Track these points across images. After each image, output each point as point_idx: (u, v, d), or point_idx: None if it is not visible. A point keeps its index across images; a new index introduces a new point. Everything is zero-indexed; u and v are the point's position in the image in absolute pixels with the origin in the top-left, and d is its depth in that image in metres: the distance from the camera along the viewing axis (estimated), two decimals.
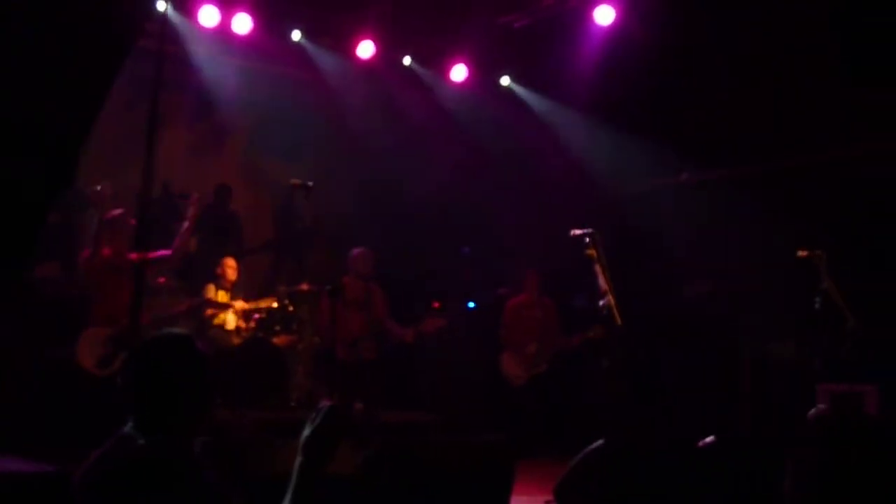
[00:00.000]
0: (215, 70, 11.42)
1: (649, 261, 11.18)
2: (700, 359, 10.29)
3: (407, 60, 12.04)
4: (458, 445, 5.91)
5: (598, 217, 8.99)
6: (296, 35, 11.26)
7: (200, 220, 9.60)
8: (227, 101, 11.88)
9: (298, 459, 2.90)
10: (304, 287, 10.28)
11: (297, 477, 2.88)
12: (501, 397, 11.08)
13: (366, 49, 11.48)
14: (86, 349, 8.52)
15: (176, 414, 3.16)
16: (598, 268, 7.86)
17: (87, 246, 9.13)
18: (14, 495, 4.95)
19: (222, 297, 10.16)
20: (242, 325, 10.16)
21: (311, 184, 8.55)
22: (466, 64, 12.19)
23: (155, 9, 8.55)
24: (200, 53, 11.06)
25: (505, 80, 12.63)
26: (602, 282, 7.83)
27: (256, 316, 10.19)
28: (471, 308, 12.75)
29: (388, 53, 11.76)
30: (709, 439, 4.59)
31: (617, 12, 10.68)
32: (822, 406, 6.65)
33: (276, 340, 10.05)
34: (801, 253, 8.27)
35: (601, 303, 7.80)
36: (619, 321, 7.70)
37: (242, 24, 10.70)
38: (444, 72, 12.25)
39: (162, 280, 9.66)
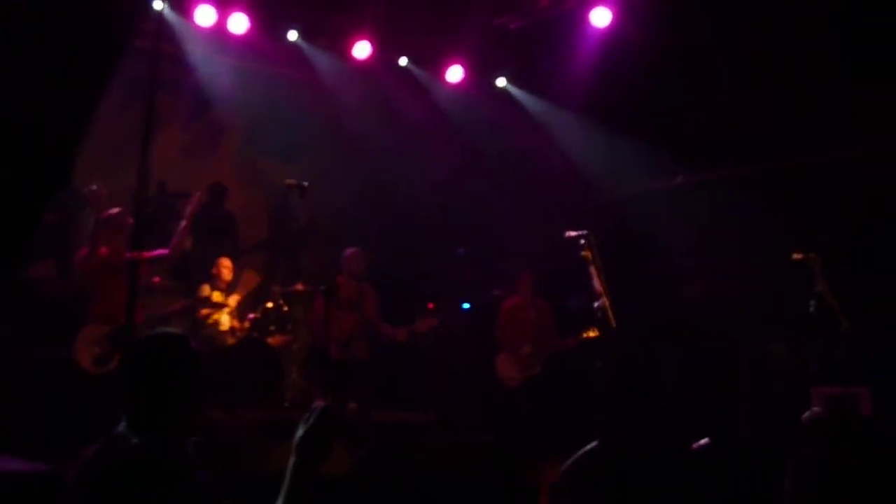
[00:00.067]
0: (211, 70, 11.42)
1: (645, 263, 11.19)
2: (697, 360, 10.30)
3: (403, 61, 12.04)
4: (452, 446, 5.92)
5: (594, 219, 8.99)
6: (292, 35, 11.25)
7: (196, 219, 9.60)
8: (223, 100, 11.88)
9: (292, 459, 2.90)
10: (299, 287, 10.29)
11: (291, 477, 2.88)
12: (496, 398, 11.08)
13: (362, 49, 11.48)
14: (83, 348, 8.52)
15: (169, 413, 3.16)
16: (592, 269, 7.86)
17: (83, 245, 9.12)
18: (7, 494, 4.94)
19: (217, 297, 10.16)
20: (237, 324, 10.15)
21: (306, 184, 8.55)
22: (462, 65, 12.18)
23: (151, 8, 8.56)
24: (196, 53, 11.06)
25: (501, 82, 12.63)
26: (597, 283, 7.83)
27: (251, 316, 10.19)
28: (465, 309, 12.75)
29: (384, 54, 11.76)
30: (703, 441, 4.59)
31: (613, 14, 10.68)
32: (816, 409, 6.65)
33: (270, 340, 10.06)
34: (796, 256, 8.28)
35: (596, 304, 7.80)
36: (613, 323, 7.70)
37: (239, 23, 10.68)
38: (441, 73, 12.25)
39: (157, 280, 9.66)
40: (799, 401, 7.02)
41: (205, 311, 10.09)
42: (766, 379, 9.94)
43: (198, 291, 10.15)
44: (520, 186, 12.71)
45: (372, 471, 5.17)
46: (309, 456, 2.89)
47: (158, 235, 9.39)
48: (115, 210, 8.86)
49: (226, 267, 10.33)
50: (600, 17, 10.74)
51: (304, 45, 11.47)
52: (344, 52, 11.55)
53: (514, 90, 12.65)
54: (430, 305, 12.15)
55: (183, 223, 9.23)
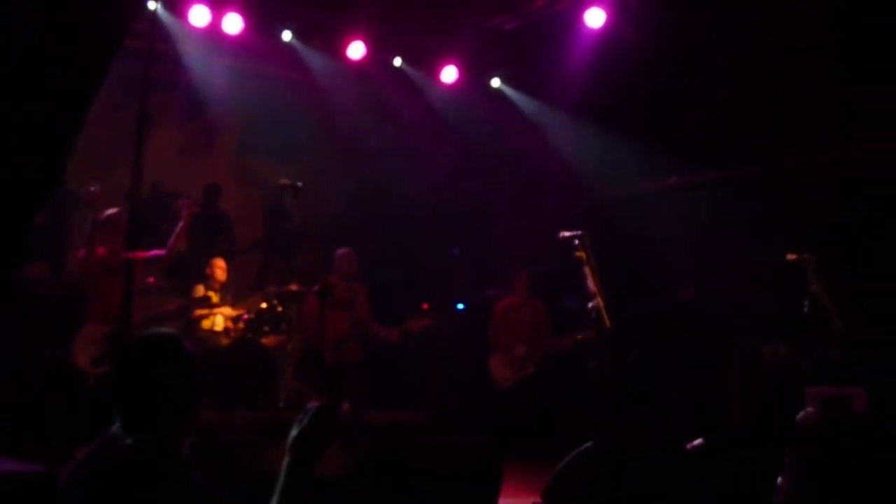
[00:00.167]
0: (205, 70, 11.41)
1: (639, 263, 11.19)
2: (691, 360, 10.30)
3: (397, 61, 12.04)
4: (446, 446, 5.91)
5: (588, 219, 9.00)
6: (286, 35, 11.25)
7: (191, 219, 9.60)
8: (218, 101, 11.88)
9: (286, 460, 2.89)
10: (294, 287, 10.28)
11: (285, 478, 2.88)
12: (490, 399, 11.08)
13: (356, 50, 11.48)
14: (82, 348, 8.52)
15: (163, 414, 3.16)
16: (587, 270, 7.87)
17: (79, 246, 9.12)
18: (0, 495, 4.93)
19: (211, 297, 10.15)
20: (231, 325, 10.15)
21: (300, 184, 8.55)
22: (457, 65, 12.19)
23: (145, 8, 8.55)
24: (190, 53, 11.05)
25: (495, 82, 12.63)
26: (591, 284, 7.84)
27: (245, 316, 10.19)
28: (460, 309, 12.75)
29: (378, 54, 11.76)
30: (697, 441, 4.60)
31: (607, 15, 10.69)
32: (810, 409, 6.66)
33: (264, 341, 10.05)
34: (790, 256, 8.29)
35: (590, 305, 7.81)
36: (608, 323, 7.71)
37: (233, 24, 10.68)
38: (435, 73, 12.26)
39: (151, 280, 9.66)
40: (793, 401, 7.02)
41: (199, 312, 10.09)
42: (760, 379, 9.95)
43: (192, 292, 10.14)
44: (514, 187, 12.71)
45: (366, 471, 5.16)
46: (303, 456, 2.88)
47: (152, 236, 9.39)
48: (113, 210, 8.85)
49: (220, 267, 10.32)
50: (594, 18, 10.76)
51: (298, 45, 11.47)
52: (338, 53, 11.56)
53: (508, 91, 12.65)
54: (425, 306, 12.15)
55: (180, 224, 9.23)
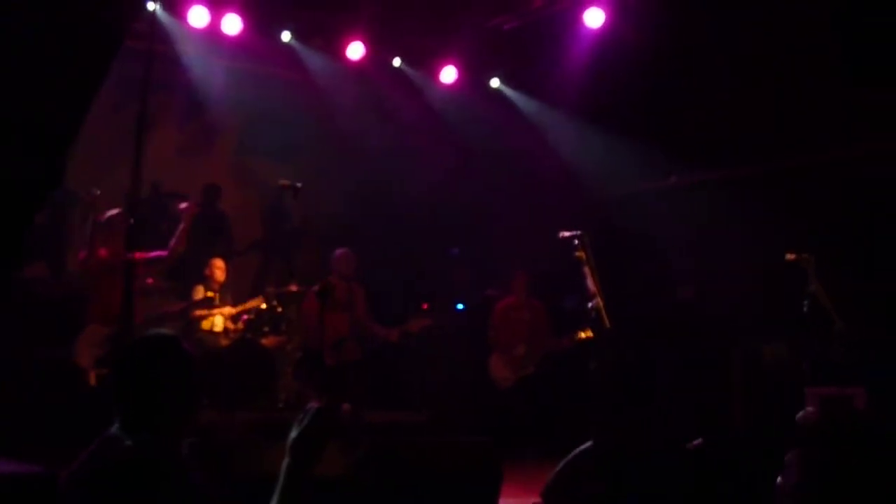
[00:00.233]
0: (205, 70, 11.40)
1: (639, 263, 11.20)
2: (691, 360, 10.30)
3: (397, 62, 12.04)
4: (446, 446, 5.91)
5: (588, 219, 9.00)
6: (285, 36, 11.24)
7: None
8: (217, 101, 11.87)
9: (286, 461, 2.89)
10: (293, 288, 10.27)
11: (285, 478, 2.88)
12: (490, 398, 11.08)
13: (355, 50, 11.48)
14: (84, 349, 8.51)
15: (162, 414, 3.15)
16: (586, 270, 7.88)
17: (79, 247, 9.12)
18: (0, 496, 4.93)
19: (214, 299, 10.15)
20: (231, 326, 10.15)
21: (299, 184, 8.56)
22: (456, 66, 12.19)
23: (144, 9, 8.55)
24: (190, 54, 11.04)
25: (495, 82, 12.63)
26: (591, 284, 7.85)
27: (245, 317, 10.18)
28: (459, 309, 12.75)
29: (377, 55, 11.76)
30: (697, 441, 4.59)
31: (606, 15, 10.69)
32: (810, 409, 6.66)
33: (264, 341, 10.05)
34: (790, 256, 8.29)
35: (590, 305, 7.82)
36: (607, 323, 7.72)
37: (232, 24, 10.67)
38: (434, 73, 12.25)
39: (150, 281, 9.65)
40: (793, 401, 7.03)
41: (198, 313, 10.08)
42: (760, 379, 9.95)
43: (191, 292, 10.14)
44: (514, 187, 12.72)
45: (366, 471, 5.16)
46: (303, 457, 2.88)
47: (152, 236, 9.38)
48: (114, 211, 8.85)
49: (219, 268, 10.31)
50: (594, 18, 10.76)
51: (297, 45, 11.46)
52: (338, 53, 11.56)
53: (507, 91, 12.65)
54: (425, 306, 12.15)
55: (181, 226, 9.21)
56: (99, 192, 8.79)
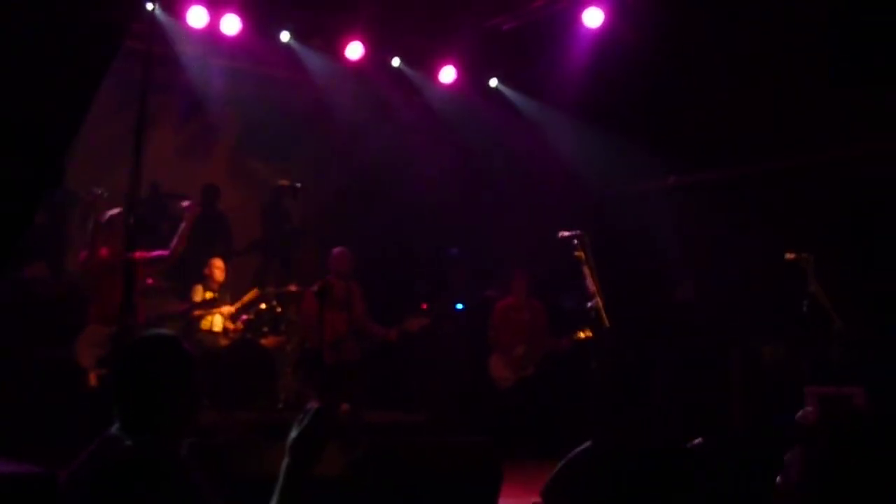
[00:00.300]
0: (204, 71, 11.40)
1: (638, 263, 11.19)
2: (691, 360, 10.31)
3: (396, 62, 12.03)
4: (446, 446, 5.91)
5: (587, 219, 9.00)
6: (284, 36, 11.24)
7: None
8: (216, 101, 11.87)
9: (285, 461, 2.90)
10: (293, 288, 10.27)
11: (284, 478, 2.88)
12: (489, 399, 11.08)
13: (354, 50, 11.48)
14: (86, 349, 8.49)
15: (162, 415, 3.15)
16: (586, 270, 7.88)
17: (79, 247, 9.12)
18: (0, 496, 4.93)
19: (210, 298, 10.15)
20: (230, 326, 10.15)
21: (299, 185, 8.57)
22: (455, 66, 12.19)
23: (143, 9, 8.54)
24: (189, 54, 11.04)
25: (493, 82, 12.63)
26: (590, 284, 7.85)
27: (244, 317, 10.19)
28: (459, 310, 12.76)
29: (376, 55, 11.76)
30: (696, 441, 4.60)
31: (606, 15, 10.70)
32: (809, 409, 6.67)
33: (264, 342, 10.05)
34: (789, 256, 8.29)
35: (589, 305, 7.82)
36: (606, 323, 7.72)
37: (231, 24, 10.67)
38: (433, 73, 12.25)
39: (150, 281, 9.65)
40: (792, 400, 7.03)
41: (197, 313, 10.09)
42: (759, 378, 9.95)
43: (191, 292, 10.14)
44: (513, 187, 12.72)
45: (365, 472, 5.16)
46: (302, 457, 2.89)
47: (152, 236, 9.38)
48: (115, 211, 8.82)
49: (218, 268, 10.31)
50: (592, 18, 10.76)
51: (296, 45, 11.46)
52: (337, 53, 11.55)
53: (506, 91, 12.65)
54: (424, 306, 12.15)
55: (183, 225, 9.17)
56: (100, 192, 8.78)
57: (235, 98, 11.90)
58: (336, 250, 10.50)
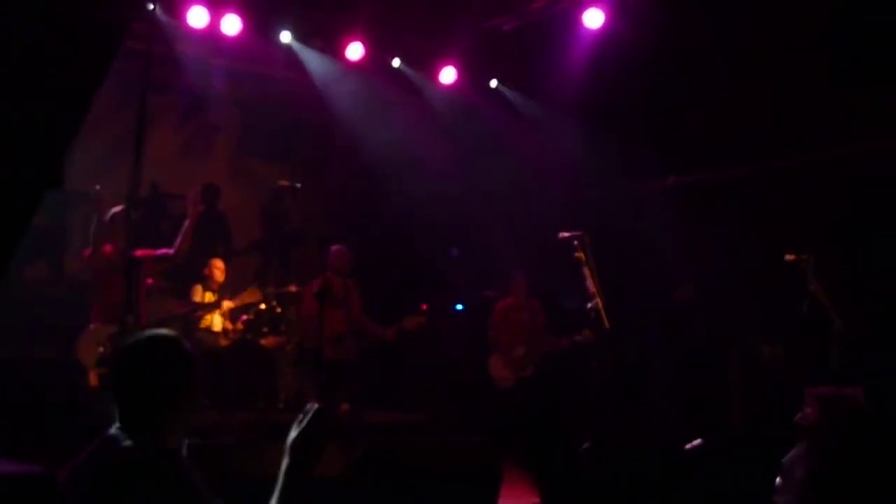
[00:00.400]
0: (204, 71, 11.40)
1: (639, 263, 11.19)
2: (690, 360, 10.31)
3: (396, 62, 12.03)
4: (445, 446, 5.92)
5: (587, 219, 9.00)
6: (285, 36, 11.23)
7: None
8: (216, 102, 11.87)
9: (285, 461, 2.90)
10: (292, 288, 10.27)
11: (284, 478, 2.88)
12: (489, 399, 11.09)
13: (355, 51, 11.48)
14: (88, 347, 8.48)
15: (161, 415, 3.15)
16: (586, 270, 7.88)
17: (79, 246, 9.12)
18: (1, 496, 4.93)
19: (209, 298, 10.14)
20: (230, 326, 10.14)
21: (298, 185, 8.55)
22: (455, 66, 12.19)
23: (143, 10, 8.54)
24: (189, 54, 11.03)
25: (494, 83, 12.64)
26: (590, 284, 7.85)
27: (244, 317, 10.18)
28: (459, 310, 12.75)
29: (377, 55, 11.76)
30: (696, 442, 4.60)
31: (606, 15, 10.70)
32: (808, 410, 6.67)
33: (263, 342, 10.04)
34: (789, 257, 8.29)
35: (589, 305, 7.82)
36: (606, 324, 7.72)
37: (231, 25, 10.66)
38: (433, 74, 12.25)
39: (150, 281, 9.65)
40: (792, 401, 7.04)
41: (197, 313, 10.08)
42: (759, 378, 9.96)
43: (190, 293, 10.13)
44: (513, 187, 12.71)
45: (365, 471, 5.17)
46: (302, 457, 2.89)
47: (151, 236, 9.38)
48: (119, 208, 8.78)
49: (218, 268, 10.31)
50: (593, 19, 10.76)
51: (297, 46, 11.46)
52: (337, 54, 11.55)
53: (507, 91, 12.66)
54: (424, 306, 12.15)
55: (187, 223, 9.14)
56: (99, 188, 8.77)
57: (235, 98, 11.91)
58: (334, 248, 10.48)
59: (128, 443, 3.04)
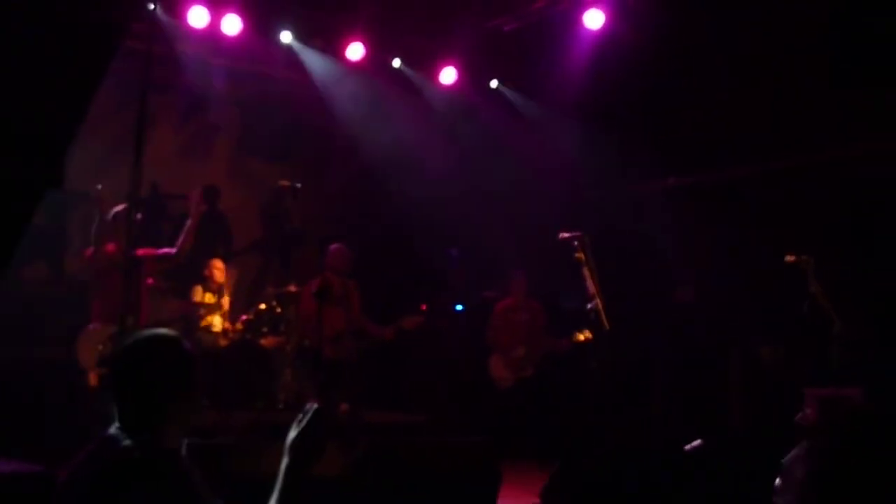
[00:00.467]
0: (204, 71, 11.39)
1: (639, 264, 11.19)
2: (690, 361, 10.31)
3: (396, 63, 12.03)
4: (445, 446, 5.92)
5: (587, 220, 9.00)
6: (285, 36, 11.23)
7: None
8: (216, 102, 11.87)
9: (284, 461, 2.90)
10: (292, 288, 10.26)
11: (284, 478, 2.88)
12: (489, 399, 11.09)
13: (355, 51, 11.48)
14: (87, 347, 8.47)
15: (161, 415, 3.15)
16: (586, 271, 7.88)
17: (80, 246, 9.12)
18: (1, 495, 4.93)
19: (209, 298, 10.14)
20: (229, 326, 10.14)
21: (299, 185, 8.55)
22: (456, 67, 12.18)
23: (143, 10, 8.54)
24: (189, 54, 11.03)
25: (494, 83, 12.63)
26: (590, 285, 7.85)
27: (244, 317, 10.19)
28: (459, 310, 12.75)
29: (377, 55, 11.75)
30: (695, 443, 4.60)
31: (606, 16, 10.70)
32: (808, 410, 6.67)
33: (263, 342, 10.04)
34: (789, 258, 8.29)
35: (589, 306, 7.82)
36: (606, 324, 7.72)
37: (232, 25, 10.66)
38: (434, 74, 12.25)
39: (151, 281, 9.65)
40: (792, 402, 7.04)
41: (197, 313, 10.08)
42: (759, 379, 9.96)
43: (190, 293, 10.13)
44: (513, 187, 12.71)
45: (365, 471, 5.17)
46: (301, 457, 2.89)
47: (151, 236, 9.37)
48: (120, 207, 8.77)
49: (217, 268, 10.30)
50: (593, 19, 10.76)
51: (297, 46, 11.46)
52: (337, 54, 11.55)
53: (507, 91, 12.66)
54: (423, 306, 12.15)
55: (189, 222, 9.13)
56: (100, 187, 8.76)
57: (235, 98, 11.90)
58: (333, 247, 10.46)
59: (127, 442, 3.03)
